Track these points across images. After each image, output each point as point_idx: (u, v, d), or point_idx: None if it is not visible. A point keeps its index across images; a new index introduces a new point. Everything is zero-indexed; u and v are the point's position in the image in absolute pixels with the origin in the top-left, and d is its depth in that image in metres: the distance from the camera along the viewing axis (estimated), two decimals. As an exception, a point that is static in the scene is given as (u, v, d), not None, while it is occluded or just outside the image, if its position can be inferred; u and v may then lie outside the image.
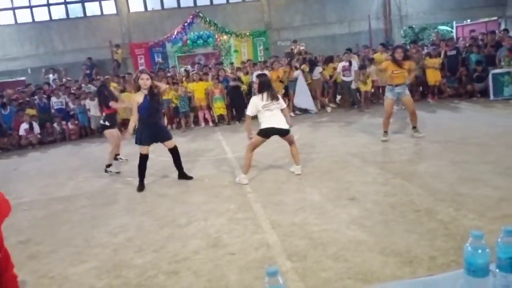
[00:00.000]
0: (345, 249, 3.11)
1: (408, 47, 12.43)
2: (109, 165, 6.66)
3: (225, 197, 4.80)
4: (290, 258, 3.06)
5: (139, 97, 5.37)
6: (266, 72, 10.97)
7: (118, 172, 6.62)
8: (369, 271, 2.74)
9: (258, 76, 5.55)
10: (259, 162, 6.20)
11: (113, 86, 11.07)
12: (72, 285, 3.07)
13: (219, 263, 3.12)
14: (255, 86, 5.58)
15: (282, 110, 5.30)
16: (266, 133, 5.24)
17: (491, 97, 9.81)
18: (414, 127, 6.88)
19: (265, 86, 5.25)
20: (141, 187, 5.53)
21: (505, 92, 9.75)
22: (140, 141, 5.43)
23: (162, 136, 5.60)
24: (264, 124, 5.22)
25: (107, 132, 6.87)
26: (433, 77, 10.64)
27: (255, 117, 5.31)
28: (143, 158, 5.50)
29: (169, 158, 6.13)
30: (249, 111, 5.30)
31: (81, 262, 3.44)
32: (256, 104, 5.20)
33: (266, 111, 5.18)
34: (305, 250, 3.16)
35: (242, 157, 6.69)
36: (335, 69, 11.50)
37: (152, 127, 5.43)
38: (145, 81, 5.36)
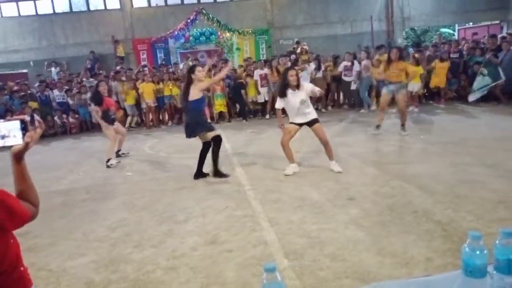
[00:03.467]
0: (342, 248, 3.12)
1: (410, 49, 12.39)
2: (109, 159, 6.69)
3: (224, 194, 4.81)
4: (287, 256, 3.07)
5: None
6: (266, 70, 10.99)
7: (118, 162, 6.74)
8: (366, 271, 2.75)
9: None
10: (259, 160, 6.21)
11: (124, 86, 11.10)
12: (70, 278, 3.08)
13: (217, 260, 3.13)
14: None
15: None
16: None
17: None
18: (402, 125, 7.28)
19: None
20: (197, 175, 5.52)
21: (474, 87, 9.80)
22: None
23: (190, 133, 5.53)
24: None
25: (104, 127, 6.92)
26: (437, 80, 10.49)
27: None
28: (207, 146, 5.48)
29: (167, 154, 6.13)
30: None
31: (80, 256, 3.45)
32: None
33: None
34: (302, 249, 3.17)
35: (242, 154, 6.73)
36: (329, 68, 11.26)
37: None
38: (202, 73, 5.32)
